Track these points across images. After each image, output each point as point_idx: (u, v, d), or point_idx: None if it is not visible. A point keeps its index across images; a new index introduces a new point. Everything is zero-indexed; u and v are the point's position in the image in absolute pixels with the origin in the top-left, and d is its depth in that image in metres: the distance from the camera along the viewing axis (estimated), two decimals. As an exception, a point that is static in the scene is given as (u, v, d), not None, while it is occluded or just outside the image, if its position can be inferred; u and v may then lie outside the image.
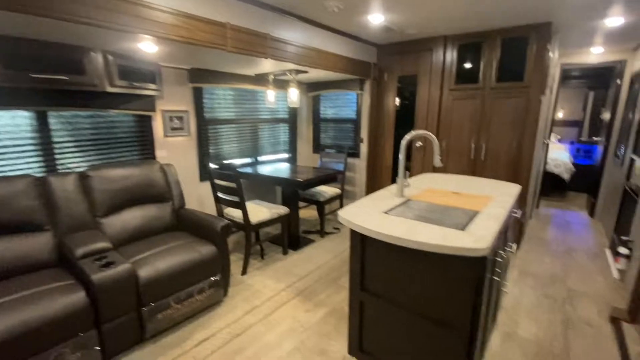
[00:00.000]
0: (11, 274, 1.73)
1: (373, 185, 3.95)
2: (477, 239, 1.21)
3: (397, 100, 3.91)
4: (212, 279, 2.14)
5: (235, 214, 2.68)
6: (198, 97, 2.93)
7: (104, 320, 1.64)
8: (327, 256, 3.01)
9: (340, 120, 3.99)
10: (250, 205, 2.91)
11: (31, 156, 2.09)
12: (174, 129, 2.78)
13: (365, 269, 1.55)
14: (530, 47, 2.80)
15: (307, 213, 4.27)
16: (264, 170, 3.26)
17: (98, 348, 1.63)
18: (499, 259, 1.47)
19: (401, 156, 1.82)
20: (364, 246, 1.52)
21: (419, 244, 1.22)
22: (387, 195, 1.89)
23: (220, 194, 2.71)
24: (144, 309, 1.80)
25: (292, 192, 3.08)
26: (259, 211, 2.77)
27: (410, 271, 1.38)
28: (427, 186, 2.16)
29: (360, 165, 3.85)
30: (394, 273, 1.44)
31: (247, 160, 3.58)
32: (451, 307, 1.29)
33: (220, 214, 2.82)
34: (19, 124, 2.03)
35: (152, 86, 2.45)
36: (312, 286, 2.51)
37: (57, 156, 2.19)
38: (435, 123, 3.39)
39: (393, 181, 3.80)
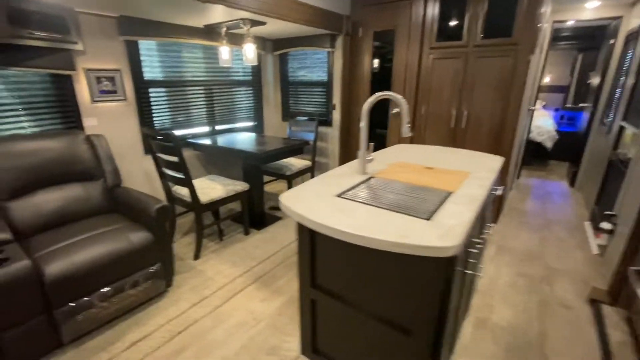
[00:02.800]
0: None
1: (347, 156, 3.63)
2: (444, 232, 0.94)
3: (376, 62, 3.50)
4: (150, 269, 1.85)
5: (184, 192, 2.34)
6: (133, 54, 2.45)
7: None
8: (293, 235, 2.75)
9: (310, 83, 3.57)
10: (202, 182, 2.56)
11: None
12: (104, 92, 2.33)
13: (317, 263, 1.28)
14: (522, -4, 2.41)
15: (276, 187, 3.96)
16: (222, 141, 2.88)
17: (-7, 363, 1.34)
18: (473, 250, 1.22)
19: (362, 124, 1.49)
20: (313, 237, 1.24)
21: (371, 241, 0.94)
22: (347, 172, 1.59)
23: (165, 170, 2.35)
24: (56, 311, 1.50)
25: (252, 165, 2.74)
26: (212, 188, 2.43)
27: (367, 269, 1.11)
28: (397, 160, 1.87)
29: (332, 134, 3.50)
30: (349, 270, 1.17)
31: (204, 129, 3.17)
32: (413, 313, 1.04)
33: (169, 192, 2.47)
34: None
35: (66, 37, 1.98)
36: (273, 270, 2.26)
37: (-59, 126, 1.75)
38: (414, 86, 3.04)
39: (368, 152, 3.50)
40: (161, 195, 2.70)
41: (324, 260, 1.25)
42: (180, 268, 2.26)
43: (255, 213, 2.90)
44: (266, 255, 2.44)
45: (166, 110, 2.78)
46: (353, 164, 1.72)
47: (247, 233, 2.75)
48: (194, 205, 2.28)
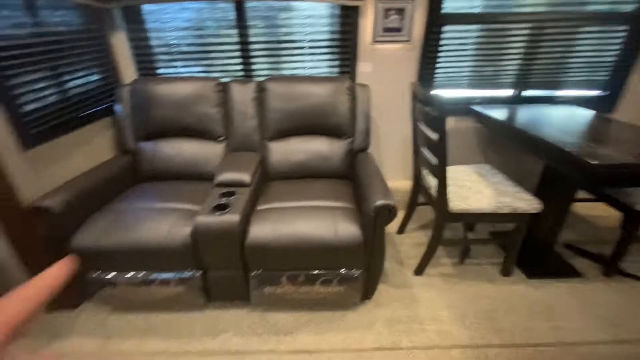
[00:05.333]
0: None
1: None
2: None
3: None
4: (347, 272, 1.41)
5: (432, 183, 1.62)
6: (439, -27, 1.73)
7: (206, 264, 1.39)
8: (599, 330, 1.41)
9: None
10: (465, 174, 1.71)
11: (233, 57, 1.94)
12: (387, 30, 1.85)
13: None
14: None
15: (594, 208, 2.31)
16: (527, 117, 1.76)
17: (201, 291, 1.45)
18: None
19: None
20: None
21: None
22: None
23: (421, 147, 1.69)
24: (250, 274, 1.41)
25: (566, 175, 1.50)
26: (476, 192, 1.54)
27: None
28: None
29: None
30: None
31: (503, 93, 2.10)
32: None
33: (418, 175, 1.84)
34: (221, 17, 1.84)
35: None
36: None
37: (254, 59, 1.95)
38: None
39: None
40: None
41: None
42: (391, 275, 1.71)
43: (535, 245, 1.74)
44: (522, 340, 1.38)
45: (455, 58, 1.98)
46: None
47: (506, 274, 1.71)
48: (438, 208, 1.53)
